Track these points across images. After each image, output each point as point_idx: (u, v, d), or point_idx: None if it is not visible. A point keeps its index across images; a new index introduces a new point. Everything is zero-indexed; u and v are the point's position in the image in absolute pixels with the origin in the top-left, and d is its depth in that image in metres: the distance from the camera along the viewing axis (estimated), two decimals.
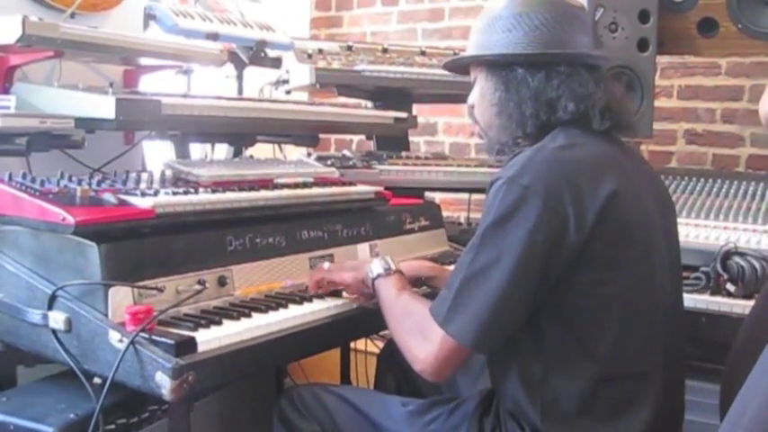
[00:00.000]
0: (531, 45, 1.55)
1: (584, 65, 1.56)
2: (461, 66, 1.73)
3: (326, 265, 1.83)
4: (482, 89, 1.64)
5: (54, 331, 1.47)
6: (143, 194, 1.60)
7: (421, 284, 1.89)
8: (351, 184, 2.16)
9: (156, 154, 2.52)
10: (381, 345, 2.23)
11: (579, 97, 1.52)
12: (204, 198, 1.69)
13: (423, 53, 2.96)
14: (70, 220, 1.43)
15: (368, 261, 1.73)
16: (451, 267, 2.12)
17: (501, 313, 1.38)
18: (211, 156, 2.58)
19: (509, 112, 1.56)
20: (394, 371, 1.99)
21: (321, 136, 2.73)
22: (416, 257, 2.16)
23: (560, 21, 1.56)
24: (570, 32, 1.56)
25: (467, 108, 1.72)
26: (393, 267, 1.67)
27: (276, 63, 2.66)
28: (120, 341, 1.36)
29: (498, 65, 1.59)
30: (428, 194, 2.76)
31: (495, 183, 1.43)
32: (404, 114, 2.74)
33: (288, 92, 2.81)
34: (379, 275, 1.65)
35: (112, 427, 1.50)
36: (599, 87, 1.54)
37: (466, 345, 1.40)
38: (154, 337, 1.36)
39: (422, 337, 1.45)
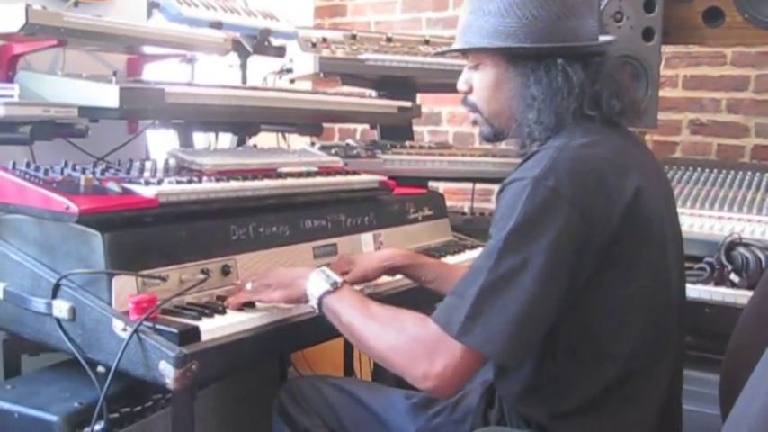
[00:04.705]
0: (565, 34, 1.44)
1: (602, 53, 1.49)
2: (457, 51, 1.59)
3: (249, 285, 1.58)
4: (501, 78, 1.49)
5: (58, 320, 1.47)
6: (147, 183, 1.60)
7: (394, 274, 1.83)
8: (354, 173, 2.16)
9: (160, 143, 2.52)
10: None
11: (618, 91, 1.45)
12: (208, 187, 1.69)
13: (427, 42, 2.95)
14: (74, 208, 1.43)
15: (299, 275, 1.54)
16: (451, 259, 2.16)
17: (531, 322, 1.29)
18: (215, 145, 2.58)
19: (544, 106, 1.43)
20: None
21: (325, 125, 2.73)
22: (419, 247, 2.17)
23: (582, 5, 1.47)
24: (591, 17, 1.48)
25: (461, 94, 1.60)
26: (339, 279, 1.50)
27: (280, 52, 2.65)
28: (124, 330, 1.36)
29: (531, 56, 1.45)
30: (432, 184, 2.76)
31: (513, 183, 1.35)
32: (408, 104, 2.73)
33: (292, 81, 2.81)
34: (326, 292, 1.48)
35: (116, 415, 1.50)
36: (624, 77, 1.50)
37: (492, 356, 1.29)
38: (157, 326, 1.37)
39: (431, 353, 1.30)
